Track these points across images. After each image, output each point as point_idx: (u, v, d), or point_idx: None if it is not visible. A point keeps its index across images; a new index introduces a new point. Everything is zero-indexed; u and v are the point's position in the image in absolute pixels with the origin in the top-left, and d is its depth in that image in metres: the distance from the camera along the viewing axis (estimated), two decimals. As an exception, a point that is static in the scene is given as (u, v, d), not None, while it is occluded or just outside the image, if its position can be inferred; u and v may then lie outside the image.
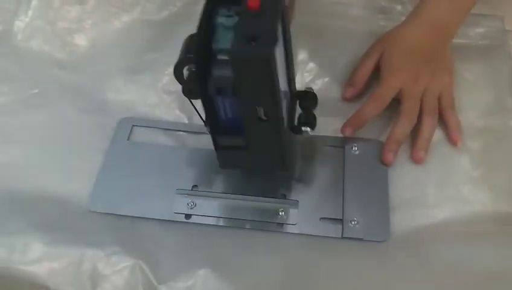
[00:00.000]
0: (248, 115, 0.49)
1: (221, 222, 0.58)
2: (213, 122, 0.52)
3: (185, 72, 0.52)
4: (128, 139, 0.65)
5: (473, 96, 0.67)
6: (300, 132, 0.56)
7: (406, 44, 0.66)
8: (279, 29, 0.47)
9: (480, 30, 0.73)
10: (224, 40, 0.47)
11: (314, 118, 0.57)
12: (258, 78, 0.45)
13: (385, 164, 0.62)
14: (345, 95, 0.68)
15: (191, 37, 0.53)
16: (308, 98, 0.58)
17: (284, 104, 0.52)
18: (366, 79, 0.67)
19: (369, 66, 0.67)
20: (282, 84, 0.50)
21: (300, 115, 0.57)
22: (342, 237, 0.57)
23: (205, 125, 0.54)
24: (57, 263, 0.52)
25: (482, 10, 0.72)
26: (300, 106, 0.58)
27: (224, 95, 0.49)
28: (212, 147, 0.61)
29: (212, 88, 0.48)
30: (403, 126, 0.63)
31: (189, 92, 0.51)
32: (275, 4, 0.46)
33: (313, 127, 0.57)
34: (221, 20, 0.48)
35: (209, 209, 0.59)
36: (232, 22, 0.48)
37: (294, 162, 0.60)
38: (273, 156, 0.55)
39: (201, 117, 0.55)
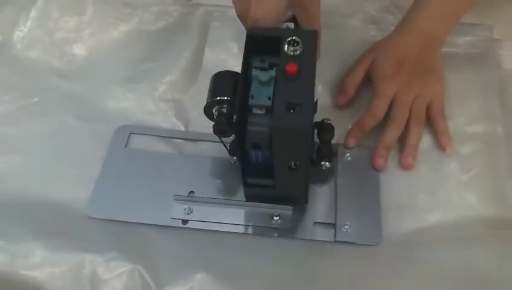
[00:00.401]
0: (279, 166, 0.52)
1: (217, 227, 0.59)
2: (244, 164, 0.55)
3: (215, 112, 0.55)
4: (125, 147, 0.66)
5: (462, 104, 0.68)
6: (320, 165, 0.60)
7: (397, 53, 0.67)
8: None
9: (469, 39, 0.74)
10: (259, 96, 0.50)
11: (331, 151, 0.60)
12: (295, 142, 0.48)
13: (376, 169, 0.63)
14: (337, 102, 0.69)
15: (219, 76, 0.55)
16: (326, 130, 0.60)
17: None
18: (357, 86, 0.69)
19: (359, 74, 0.69)
20: None
21: (319, 149, 0.60)
22: (335, 241, 0.58)
23: (229, 154, 0.58)
24: (57, 268, 0.53)
25: (471, 20, 0.74)
26: (318, 136, 0.60)
27: (260, 149, 0.51)
28: (208, 153, 0.64)
29: (249, 143, 0.50)
30: (392, 133, 0.64)
31: (220, 132, 0.54)
32: (310, 68, 0.49)
33: (331, 160, 0.60)
34: (256, 73, 0.51)
35: (206, 214, 0.59)
36: (267, 77, 0.50)
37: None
38: (296, 193, 0.58)
39: (228, 151, 0.58)
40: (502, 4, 0.78)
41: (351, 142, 0.65)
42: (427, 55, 0.68)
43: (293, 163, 0.52)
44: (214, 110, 0.55)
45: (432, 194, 0.62)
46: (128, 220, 0.59)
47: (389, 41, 0.69)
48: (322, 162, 0.60)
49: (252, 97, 0.50)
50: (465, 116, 0.67)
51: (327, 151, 0.60)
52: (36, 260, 0.54)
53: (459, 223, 0.60)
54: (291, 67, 0.48)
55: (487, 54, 0.73)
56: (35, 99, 0.70)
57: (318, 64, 0.70)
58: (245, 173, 0.55)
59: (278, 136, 0.48)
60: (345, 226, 0.59)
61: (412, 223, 0.60)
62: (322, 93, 0.70)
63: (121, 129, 0.67)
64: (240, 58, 0.71)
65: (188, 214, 0.59)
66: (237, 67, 0.70)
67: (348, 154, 0.65)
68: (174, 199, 0.60)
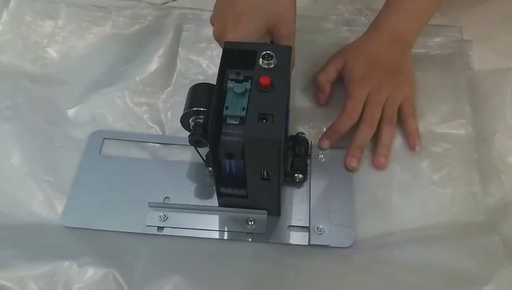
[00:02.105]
0: (252, 176, 0.53)
1: (192, 233, 0.59)
2: (218, 174, 0.56)
3: (191, 122, 0.56)
4: (99, 153, 0.65)
5: (432, 104, 0.70)
6: (294, 178, 0.62)
7: (368, 54, 0.68)
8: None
9: (439, 40, 0.75)
10: (233, 107, 0.51)
11: (306, 165, 0.63)
12: (266, 152, 0.50)
13: (349, 170, 0.64)
14: (318, 102, 0.70)
15: (196, 88, 0.57)
16: (301, 143, 0.64)
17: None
18: (331, 84, 0.70)
19: (332, 71, 0.70)
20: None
21: (293, 162, 0.63)
22: (309, 244, 0.59)
23: (205, 165, 0.60)
24: (30, 276, 0.53)
25: (442, 21, 0.75)
26: (292, 149, 0.64)
27: (233, 159, 0.52)
28: (183, 158, 0.64)
29: (222, 153, 0.51)
30: (364, 133, 0.65)
31: (196, 142, 0.55)
32: (283, 81, 0.51)
33: (305, 173, 0.62)
34: (231, 85, 0.52)
35: (181, 221, 0.60)
36: (242, 89, 0.52)
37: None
38: (269, 203, 0.59)
39: (204, 160, 0.60)
40: (471, 6, 0.79)
41: (325, 144, 0.66)
42: (397, 56, 0.69)
43: (265, 173, 0.53)
44: (190, 121, 0.57)
45: (404, 193, 0.63)
46: (103, 229, 0.59)
47: (360, 43, 0.70)
48: (296, 175, 0.62)
49: (227, 108, 0.51)
50: (435, 116, 0.69)
51: (301, 163, 0.63)
52: (9, 269, 0.53)
53: (430, 222, 0.61)
54: (265, 80, 0.50)
55: (457, 55, 0.74)
56: (7, 104, 0.69)
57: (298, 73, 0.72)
58: (218, 182, 0.57)
59: (250, 146, 0.49)
60: (318, 229, 0.59)
61: (385, 223, 0.61)
62: (296, 95, 0.71)
63: (94, 134, 0.67)
64: (213, 60, 0.73)
65: (163, 221, 0.60)
66: (211, 69, 0.73)
67: (321, 156, 0.65)
68: (149, 206, 0.60)
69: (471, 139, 0.67)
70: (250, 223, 0.59)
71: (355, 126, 0.66)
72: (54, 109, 0.69)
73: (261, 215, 0.60)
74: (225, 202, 0.59)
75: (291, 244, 0.59)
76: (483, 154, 0.66)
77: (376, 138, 0.66)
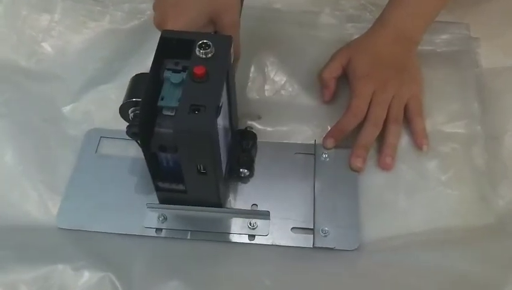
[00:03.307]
0: (188, 169, 0.52)
1: (191, 235, 0.58)
2: (154, 168, 0.54)
3: (130, 113, 0.55)
4: (96, 152, 0.64)
5: (440, 103, 0.68)
6: (239, 173, 0.60)
7: (373, 52, 0.66)
8: (223, 95, 0.50)
9: (446, 37, 0.74)
10: (169, 97, 0.50)
11: (252, 160, 0.62)
12: (199, 144, 0.48)
13: (354, 170, 0.62)
14: (323, 99, 0.68)
15: (138, 78, 0.56)
16: (248, 138, 0.63)
17: (224, 147, 0.55)
18: (336, 80, 0.68)
19: (336, 67, 0.68)
20: (222, 137, 0.53)
21: (239, 157, 0.61)
22: (314, 247, 0.57)
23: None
24: (24, 279, 0.51)
25: (449, 18, 0.73)
26: (240, 144, 0.62)
27: (166, 152, 0.50)
28: None
29: (155, 145, 0.50)
30: (369, 132, 0.63)
31: (133, 134, 0.53)
32: (220, 72, 0.49)
33: (250, 169, 0.61)
34: (168, 74, 0.51)
35: (180, 222, 0.58)
36: (179, 79, 0.50)
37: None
38: (209, 198, 0.57)
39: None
40: (478, 3, 0.77)
41: (330, 143, 0.64)
42: (403, 53, 0.67)
43: (201, 167, 0.51)
44: (129, 112, 0.55)
45: (412, 194, 0.61)
46: (100, 231, 0.58)
47: (365, 40, 0.68)
48: (241, 170, 0.60)
49: (162, 98, 0.50)
50: (443, 115, 0.67)
51: (247, 159, 0.61)
52: (0, 272, 0.52)
53: (438, 224, 0.59)
54: (199, 70, 0.48)
55: (465, 52, 0.73)
56: (0, 100, 0.67)
57: (296, 62, 0.71)
58: (155, 176, 0.55)
59: (180, 138, 0.48)
60: (323, 232, 0.58)
61: (391, 225, 0.59)
62: (299, 92, 0.70)
63: (90, 133, 0.65)
64: None
65: (162, 222, 0.58)
66: None
67: (326, 156, 0.63)
68: (147, 207, 0.58)
69: (480, 138, 0.65)
70: (252, 225, 0.58)
71: (361, 125, 0.64)
72: (49, 106, 0.67)
73: (264, 216, 0.58)
74: (165, 197, 0.58)
75: (295, 246, 0.57)
76: (493, 154, 0.64)
77: (382, 137, 0.64)
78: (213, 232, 0.58)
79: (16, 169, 0.62)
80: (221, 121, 0.52)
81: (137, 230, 0.58)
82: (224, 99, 0.52)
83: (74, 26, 0.74)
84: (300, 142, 0.65)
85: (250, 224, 0.58)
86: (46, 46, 0.72)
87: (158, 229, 0.58)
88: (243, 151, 0.62)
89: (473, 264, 0.54)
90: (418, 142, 0.64)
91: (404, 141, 0.65)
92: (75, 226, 0.58)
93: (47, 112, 0.67)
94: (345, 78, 0.68)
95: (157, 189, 0.56)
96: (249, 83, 0.70)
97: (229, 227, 0.58)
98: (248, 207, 0.59)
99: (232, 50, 0.52)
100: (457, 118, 0.67)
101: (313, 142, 0.64)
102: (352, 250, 0.57)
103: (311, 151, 0.64)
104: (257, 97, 0.69)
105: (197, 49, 0.50)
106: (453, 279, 0.53)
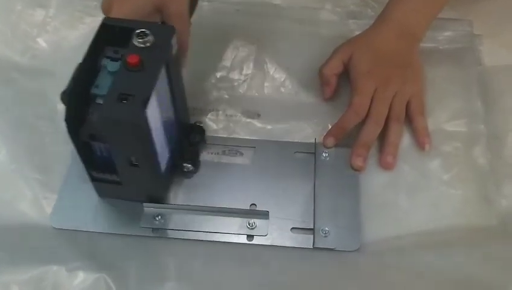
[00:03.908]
0: (119, 161, 0.50)
1: (190, 236, 0.56)
2: (87, 157, 0.53)
3: None
4: None
5: (442, 100, 0.67)
6: (182, 168, 0.59)
7: (375, 48, 0.65)
8: (162, 86, 0.49)
9: (448, 34, 0.73)
10: (104, 86, 0.48)
11: (197, 156, 0.61)
12: (129, 135, 0.46)
13: (355, 170, 0.61)
14: (324, 96, 0.67)
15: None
16: (194, 132, 0.61)
17: (165, 140, 0.53)
18: (337, 77, 0.66)
19: (337, 64, 0.66)
20: (160, 130, 0.51)
21: (185, 151, 0.60)
22: (314, 247, 0.56)
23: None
24: (17, 281, 0.50)
25: (451, 15, 0.72)
26: (188, 139, 0.61)
27: (96, 141, 0.49)
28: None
29: (85, 133, 0.49)
30: (370, 130, 0.62)
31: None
32: (156, 62, 0.48)
33: (195, 164, 0.60)
34: (105, 62, 0.50)
35: (177, 222, 0.57)
36: (116, 67, 0.49)
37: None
38: (147, 191, 0.56)
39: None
40: (481, 0, 0.76)
41: (330, 141, 0.62)
42: (406, 50, 0.66)
43: (134, 159, 0.50)
44: None
45: (413, 194, 0.60)
46: (95, 230, 0.56)
47: (367, 36, 0.67)
48: (185, 164, 0.59)
49: (97, 86, 0.49)
50: (445, 114, 0.66)
51: (192, 154, 0.60)
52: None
53: (440, 225, 0.58)
54: (133, 59, 0.47)
55: (467, 49, 0.71)
56: (-6, 97, 0.66)
57: (296, 59, 0.70)
58: (88, 166, 0.53)
59: (107, 128, 0.47)
60: (324, 232, 0.57)
61: (393, 225, 0.58)
62: (299, 89, 0.69)
63: None
64: (220, 51, 0.70)
65: (159, 222, 0.57)
66: (211, 62, 0.69)
67: (326, 154, 0.62)
68: (144, 206, 0.57)
69: (483, 137, 0.64)
70: (251, 225, 0.57)
71: (362, 123, 0.63)
72: (44, 102, 0.66)
73: (263, 216, 0.57)
74: (101, 189, 0.57)
75: (294, 247, 0.56)
76: (496, 154, 0.63)
77: (383, 136, 0.63)
78: (211, 232, 0.57)
79: (9, 167, 0.60)
80: (159, 114, 0.51)
81: (133, 230, 0.56)
82: (164, 91, 0.51)
83: (70, 22, 0.72)
84: (300, 140, 0.64)
85: (248, 224, 0.57)
86: (41, 42, 0.71)
87: (155, 229, 0.56)
88: (190, 146, 0.61)
89: (476, 265, 0.53)
90: (420, 141, 0.63)
91: (406, 139, 0.64)
92: (70, 226, 0.57)
93: (42, 108, 0.65)
94: (346, 75, 0.67)
95: (92, 179, 0.55)
96: (248, 80, 0.69)
97: (227, 227, 0.57)
98: (247, 207, 0.58)
99: (174, 41, 0.51)
100: (460, 116, 0.65)
101: (313, 140, 0.63)
102: (353, 251, 0.56)
103: (311, 150, 0.62)
104: (256, 94, 0.68)
105: (134, 37, 0.48)
106: (456, 280, 0.52)
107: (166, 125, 0.54)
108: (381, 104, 0.63)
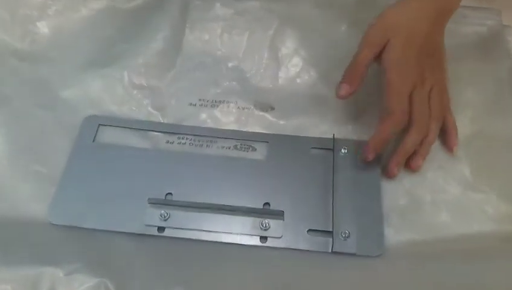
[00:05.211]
0: None
1: (198, 236, 0.53)
2: None
3: None
4: (93, 141, 0.59)
5: (468, 96, 0.62)
6: None
7: (410, 33, 0.56)
8: None
9: (474, 24, 0.68)
10: None
11: None
12: None
13: (388, 177, 0.57)
14: (339, 93, 0.58)
15: None
16: None
17: None
18: (364, 75, 0.57)
19: (368, 58, 0.57)
20: None
21: None
22: (332, 252, 0.52)
23: None
24: (10, 284, 0.46)
25: (476, 4, 0.68)
26: None
27: None
28: (188, 148, 0.58)
29: None
30: (415, 139, 0.56)
31: None
32: None
33: None
34: None
35: (185, 221, 0.53)
36: None
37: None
38: None
39: None
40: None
41: (371, 156, 0.56)
42: (436, 33, 0.58)
43: None
44: None
45: (439, 197, 0.56)
46: (96, 228, 0.53)
47: (400, 15, 0.56)
48: None
49: None
50: (472, 110, 0.62)
51: None
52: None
53: (470, 231, 0.54)
54: None
55: (496, 41, 0.67)
56: (-9, 84, 0.62)
57: (313, 47, 0.66)
58: None
59: None
60: (343, 235, 0.53)
61: (418, 230, 0.54)
62: (317, 81, 0.64)
63: (88, 120, 0.60)
64: (224, 40, 0.67)
65: (165, 220, 0.53)
66: (221, 51, 0.66)
67: (345, 151, 0.58)
68: (149, 203, 0.54)
69: (515, 138, 0.59)
70: (264, 225, 0.53)
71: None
72: (45, 91, 0.62)
73: (278, 217, 0.53)
74: None
75: (311, 251, 0.53)
76: (531, 155, 0.59)
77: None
78: (221, 233, 0.53)
79: (6, 158, 0.57)
80: None
81: (137, 228, 0.53)
82: None
83: (72, 5, 0.68)
84: (317, 136, 0.60)
85: (261, 225, 0.53)
86: (42, 26, 0.67)
87: (160, 228, 0.53)
88: None
89: (505, 277, 0.49)
90: (450, 142, 0.58)
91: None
92: (69, 222, 0.53)
93: (42, 97, 0.62)
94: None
95: None
96: (261, 70, 0.65)
97: (238, 227, 0.53)
98: (260, 206, 0.55)
99: None
100: (488, 113, 0.61)
101: (331, 136, 0.59)
102: (376, 256, 0.52)
103: (329, 146, 0.58)
104: (270, 86, 0.64)
105: None
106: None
107: None
108: (424, 107, 0.56)
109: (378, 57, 0.56)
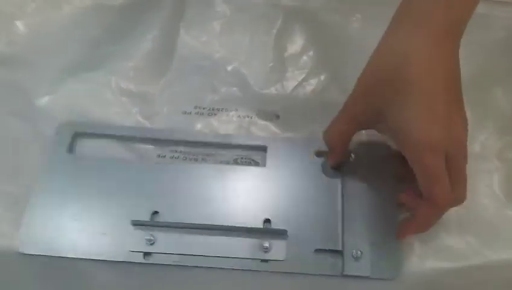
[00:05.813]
0: None
1: (189, 261, 0.49)
2: None
3: None
4: (71, 152, 0.54)
5: (494, 105, 0.58)
6: None
7: (426, 86, 0.41)
8: None
9: (497, 21, 0.63)
10: None
11: None
12: None
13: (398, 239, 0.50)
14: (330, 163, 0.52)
15: None
16: None
17: None
18: (346, 142, 0.50)
19: (344, 127, 0.49)
20: None
21: None
22: (343, 275, 0.48)
23: None
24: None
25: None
26: None
27: None
28: (178, 160, 0.54)
29: None
30: (436, 217, 0.47)
31: None
32: None
33: None
34: None
35: (174, 245, 0.49)
36: None
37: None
38: None
39: None
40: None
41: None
42: (455, 62, 0.44)
43: None
44: None
45: (464, 217, 0.51)
46: (73, 256, 0.49)
47: (395, 60, 0.42)
48: None
49: None
50: (500, 121, 0.57)
51: None
52: None
53: (502, 257, 0.50)
54: None
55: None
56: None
57: (321, 50, 0.61)
58: None
59: None
60: (355, 255, 0.49)
61: (439, 252, 0.50)
62: (327, 85, 0.60)
63: (63, 128, 0.55)
64: (221, 41, 0.62)
65: (151, 244, 0.49)
66: (220, 52, 0.62)
67: (353, 155, 0.53)
68: (133, 225, 0.49)
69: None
70: (265, 248, 0.49)
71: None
72: (22, 97, 0.58)
73: (280, 236, 0.49)
74: None
75: (319, 274, 0.49)
76: None
77: None
78: (215, 257, 0.49)
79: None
80: None
81: (120, 255, 0.48)
82: None
83: (54, 1, 0.64)
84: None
85: (263, 247, 0.49)
86: (20, 25, 0.63)
87: (146, 254, 0.49)
88: None
89: None
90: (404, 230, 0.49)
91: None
92: (41, 251, 0.49)
93: (17, 105, 0.57)
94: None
95: None
96: (265, 74, 0.61)
97: (235, 250, 0.49)
98: (259, 224, 0.50)
99: None
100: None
101: None
102: (392, 279, 0.48)
103: None
104: (275, 92, 0.60)
105: None
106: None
107: None
108: (462, 181, 0.45)
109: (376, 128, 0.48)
